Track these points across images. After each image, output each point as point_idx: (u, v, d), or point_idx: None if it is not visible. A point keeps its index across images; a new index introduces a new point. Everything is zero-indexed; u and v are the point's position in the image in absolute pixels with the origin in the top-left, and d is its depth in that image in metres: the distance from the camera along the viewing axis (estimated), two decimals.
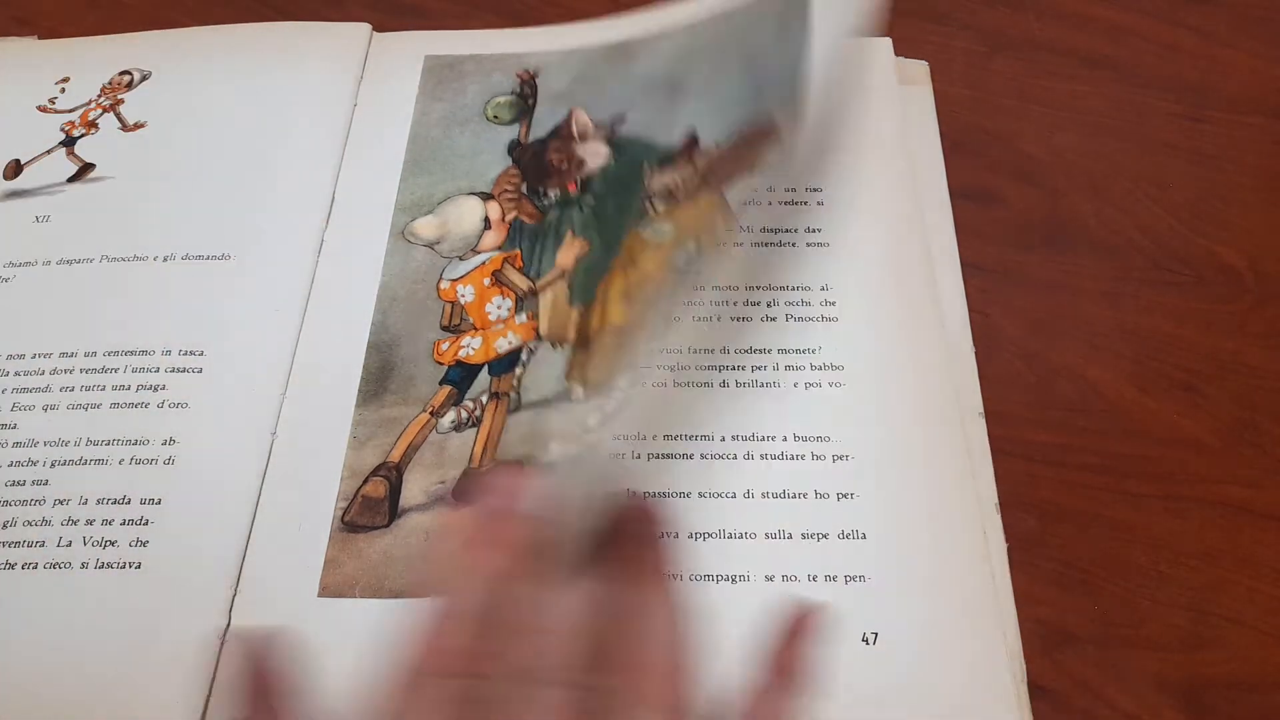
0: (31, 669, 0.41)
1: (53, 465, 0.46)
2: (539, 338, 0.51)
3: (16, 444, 0.47)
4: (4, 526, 0.45)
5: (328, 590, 0.43)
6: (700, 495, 0.46)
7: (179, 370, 0.49)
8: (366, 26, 0.63)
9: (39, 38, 0.65)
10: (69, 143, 0.59)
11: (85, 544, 0.44)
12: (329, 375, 0.50)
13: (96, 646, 0.42)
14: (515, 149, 0.56)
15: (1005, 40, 0.67)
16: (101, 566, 0.44)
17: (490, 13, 0.69)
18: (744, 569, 0.44)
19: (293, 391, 0.49)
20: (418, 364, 0.50)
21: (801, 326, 0.51)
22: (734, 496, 0.46)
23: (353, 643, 0.41)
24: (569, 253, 0.53)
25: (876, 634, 0.42)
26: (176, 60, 0.62)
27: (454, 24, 0.67)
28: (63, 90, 0.61)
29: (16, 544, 0.44)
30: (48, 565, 0.44)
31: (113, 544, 0.44)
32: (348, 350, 0.50)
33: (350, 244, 0.54)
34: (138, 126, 0.59)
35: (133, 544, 0.44)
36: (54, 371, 0.49)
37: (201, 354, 0.50)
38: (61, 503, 0.45)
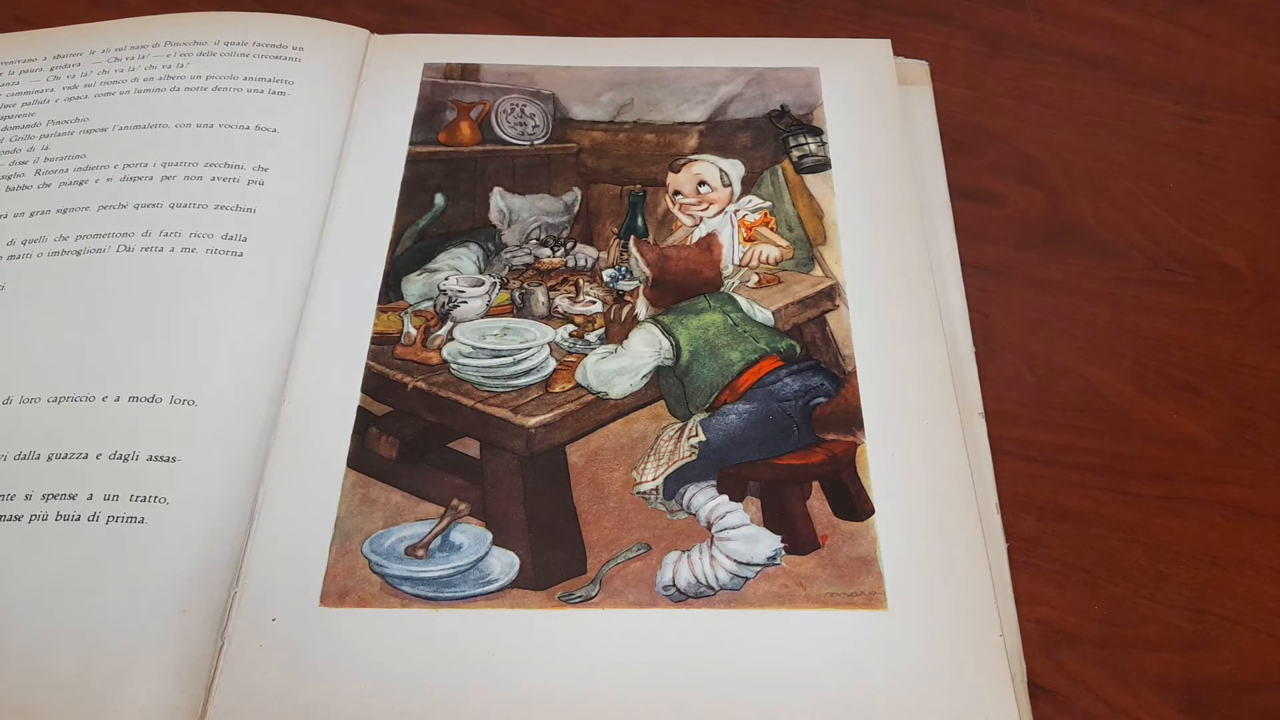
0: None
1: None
2: None
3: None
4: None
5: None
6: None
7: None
8: (364, 33, 0.64)
9: None
10: None
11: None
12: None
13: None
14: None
15: (1005, 40, 0.67)
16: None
17: (492, 13, 0.69)
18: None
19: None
20: None
21: None
22: None
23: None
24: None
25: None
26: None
27: (455, 25, 0.68)
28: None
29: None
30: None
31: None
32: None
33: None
34: None
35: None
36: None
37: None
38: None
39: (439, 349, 0.51)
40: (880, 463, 0.47)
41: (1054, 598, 0.45)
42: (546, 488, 0.47)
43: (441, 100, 0.61)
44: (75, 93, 0.61)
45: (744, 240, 0.56)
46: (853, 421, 0.48)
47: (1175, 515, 0.47)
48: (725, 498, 0.46)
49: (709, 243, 0.56)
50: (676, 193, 0.58)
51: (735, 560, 0.44)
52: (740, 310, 0.53)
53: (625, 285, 0.54)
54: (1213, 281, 0.56)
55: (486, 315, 0.53)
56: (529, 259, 0.56)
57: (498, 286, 0.54)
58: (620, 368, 0.50)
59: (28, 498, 0.45)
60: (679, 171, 0.58)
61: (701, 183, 0.58)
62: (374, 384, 0.50)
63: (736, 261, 0.55)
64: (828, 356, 0.51)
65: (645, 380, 0.50)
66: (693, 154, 0.59)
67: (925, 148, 0.60)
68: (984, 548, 0.44)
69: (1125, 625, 0.44)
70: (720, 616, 0.43)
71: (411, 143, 0.59)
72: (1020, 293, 0.55)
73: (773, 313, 0.52)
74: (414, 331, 0.52)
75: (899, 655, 0.42)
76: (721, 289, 0.54)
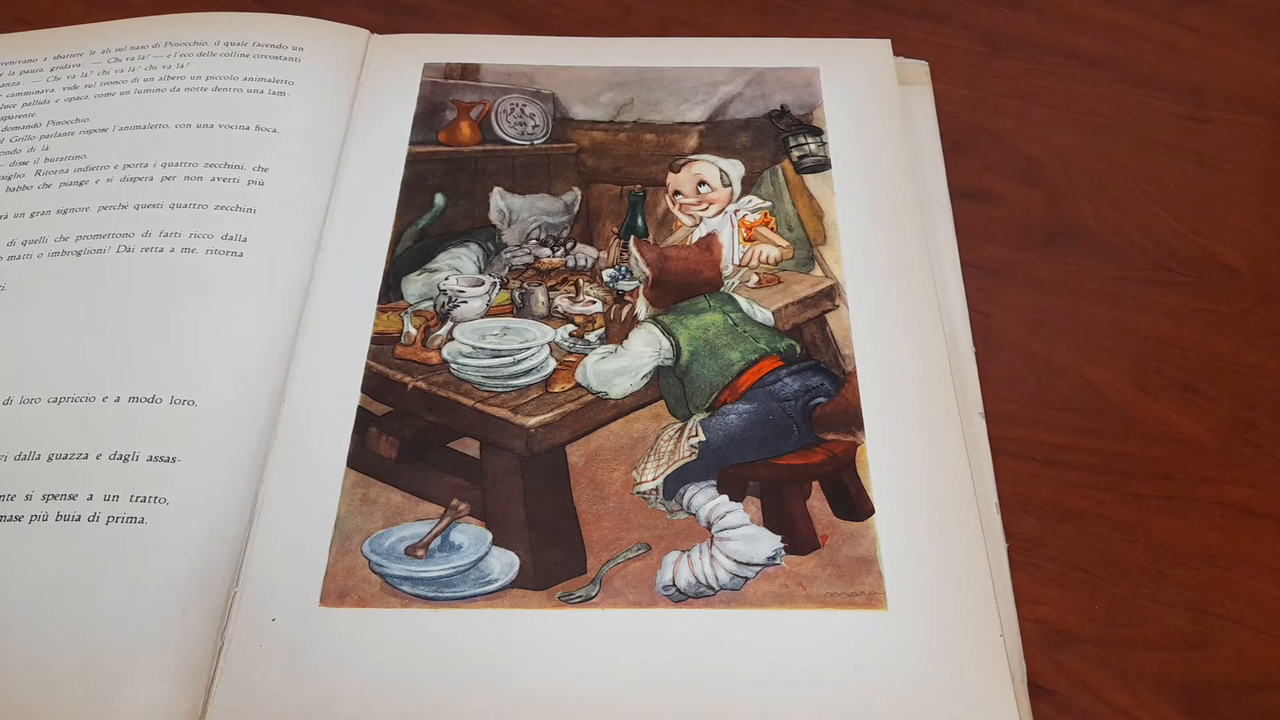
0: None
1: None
2: None
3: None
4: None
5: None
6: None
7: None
8: (364, 33, 0.64)
9: None
10: None
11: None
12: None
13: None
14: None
15: (1005, 40, 0.67)
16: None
17: (492, 13, 0.69)
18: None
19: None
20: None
21: None
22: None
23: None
24: None
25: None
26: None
27: (455, 25, 0.68)
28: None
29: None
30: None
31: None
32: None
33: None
34: None
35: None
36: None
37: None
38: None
39: (439, 349, 0.51)
40: (880, 463, 0.47)
41: (1054, 598, 0.45)
42: (546, 488, 0.47)
43: (441, 100, 0.61)
44: (75, 93, 0.61)
45: (744, 240, 0.56)
46: (853, 421, 0.48)
47: (1175, 515, 0.47)
48: (725, 498, 0.46)
49: (709, 243, 0.56)
50: (676, 193, 0.58)
51: (735, 560, 0.44)
52: (740, 310, 0.53)
53: (625, 285, 0.54)
54: (1213, 281, 0.56)
55: (486, 315, 0.53)
56: (529, 259, 0.56)
57: (498, 286, 0.54)
58: (620, 368, 0.50)
59: (28, 498, 0.45)
60: (679, 171, 0.58)
61: (701, 183, 0.58)
62: (374, 384, 0.50)
63: (736, 261, 0.55)
64: (828, 356, 0.51)
65: (645, 380, 0.50)
66: (693, 154, 0.59)
67: (925, 148, 0.60)
68: (984, 548, 0.44)
69: (1125, 625, 0.44)
70: (720, 616, 0.43)
71: (411, 143, 0.59)
72: (1020, 293, 0.55)
73: (773, 313, 0.52)
74: (414, 331, 0.52)
75: (899, 655, 0.42)
76: (721, 289, 0.54)
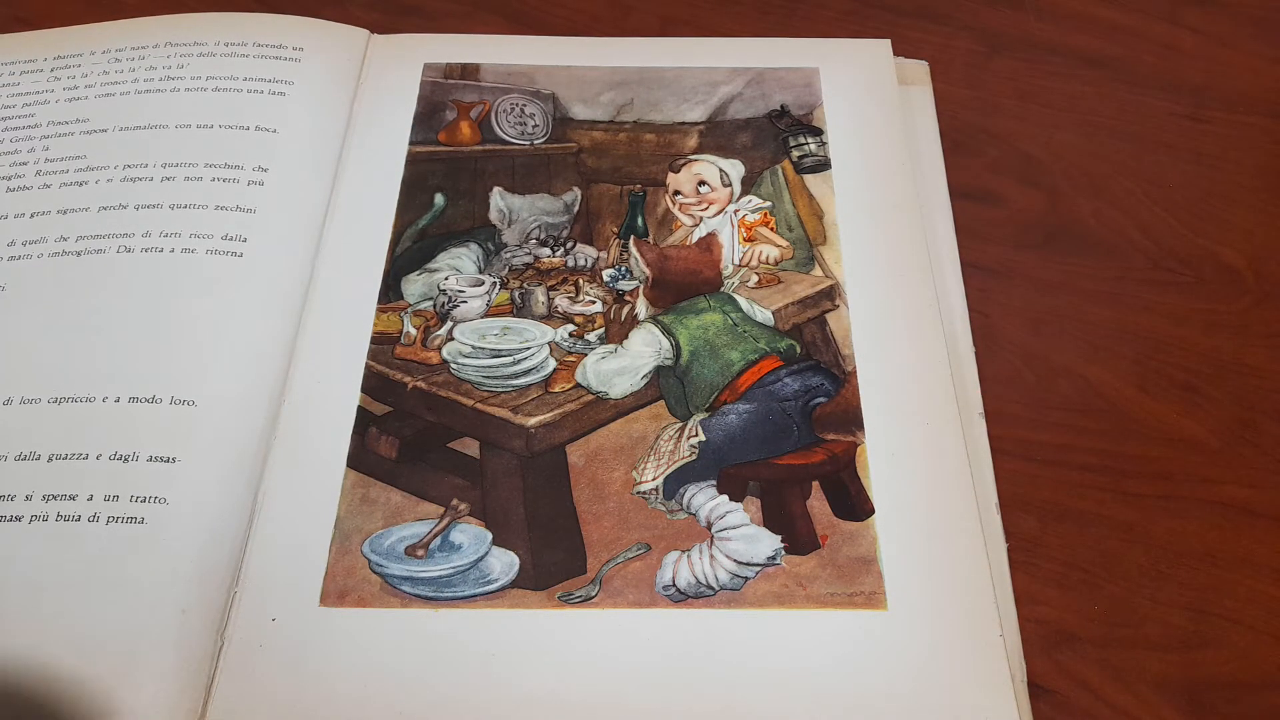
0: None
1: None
2: None
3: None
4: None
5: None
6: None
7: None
8: (364, 33, 0.64)
9: None
10: None
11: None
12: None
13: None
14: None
15: (1005, 40, 0.67)
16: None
17: (492, 13, 0.69)
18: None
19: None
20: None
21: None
22: None
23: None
24: None
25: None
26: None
27: (455, 25, 0.68)
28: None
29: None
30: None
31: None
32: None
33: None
34: None
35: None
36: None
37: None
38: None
39: (439, 349, 0.51)
40: (880, 463, 0.47)
41: (1054, 598, 0.45)
42: (546, 488, 0.47)
43: (441, 100, 0.61)
44: (75, 93, 0.61)
45: (744, 240, 0.56)
46: (853, 421, 0.48)
47: (1175, 515, 0.47)
48: (725, 498, 0.46)
49: (709, 243, 0.56)
50: (676, 193, 0.58)
51: (735, 560, 0.44)
52: (740, 310, 0.53)
53: (625, 285, 0.54)
54: (1213, 281, 0.56)
55: (486, 315, 0.53)
56: (529, 259, 0.56)
57: (498, 286, 0.54)
58: (620, 368, 0.50)
59: (28, 498, 0.45)
60: (679, 171, 0.58)
61: (701, 183, 0.58)
62: (374, 384, 0.50)
63: (736, 261, 0.55)
64: (828, 356, 0.51)
65: (645, 380, 0.50)
66: (693, 154, 0.59)
67: (925, 148, 0.60)
68: (984, 548, 0.44)
69: (1125, 625, 0.44)
70: (720, 616, 0.43)
71: (411, 143, 0.59)
72: (1020, 293, 0.55)
73: (773, 313, 0.52)
74: (414, 331, 0.52)
75: (899, 655, 0.42)
76: (721, 289, 0.54)
